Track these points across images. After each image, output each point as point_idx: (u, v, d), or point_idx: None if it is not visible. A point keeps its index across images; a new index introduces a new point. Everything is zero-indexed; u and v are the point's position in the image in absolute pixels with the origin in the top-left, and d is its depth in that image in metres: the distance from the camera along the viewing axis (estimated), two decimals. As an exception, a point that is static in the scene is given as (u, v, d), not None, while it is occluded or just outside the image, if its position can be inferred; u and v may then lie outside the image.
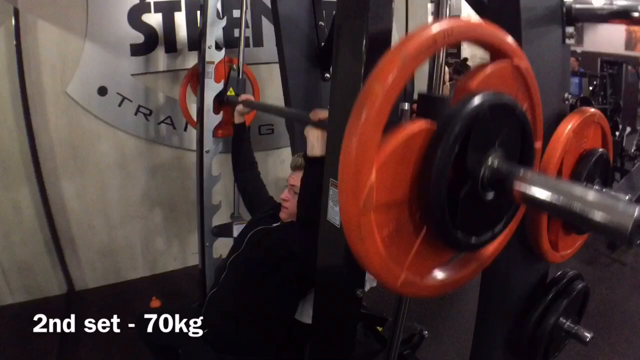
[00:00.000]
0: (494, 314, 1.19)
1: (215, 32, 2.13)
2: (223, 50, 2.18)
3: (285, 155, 3.46)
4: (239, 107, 1.96)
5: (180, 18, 2.88)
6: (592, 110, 1.05)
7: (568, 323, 1.13)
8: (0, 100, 2.53)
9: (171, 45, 2.91)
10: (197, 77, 2.43)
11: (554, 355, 1.19)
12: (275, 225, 1.67)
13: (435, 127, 0.61)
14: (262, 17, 3.18)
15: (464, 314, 2.68)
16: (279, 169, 3.48)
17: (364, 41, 0.91)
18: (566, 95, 1.06)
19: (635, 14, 0.94)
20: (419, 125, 0.61)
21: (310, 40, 2.08)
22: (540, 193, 0.60)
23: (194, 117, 2.58)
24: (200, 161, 2.35)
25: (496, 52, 0.68)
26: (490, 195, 0.65)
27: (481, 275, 1.21)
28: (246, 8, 2.31)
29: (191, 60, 2.99)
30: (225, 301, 1.61)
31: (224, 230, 2.51)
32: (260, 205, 1.86)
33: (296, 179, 1.60)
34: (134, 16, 2.72)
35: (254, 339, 1.54)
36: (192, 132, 3.16)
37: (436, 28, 0.58)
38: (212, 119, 2.28)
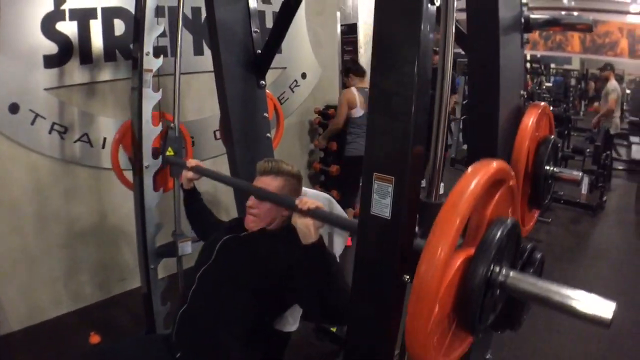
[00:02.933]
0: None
1: (153, 38, 2.02)
2: (161, 58, 2.07)
3: (208, 166, 3.33)
4: (189, 174, 1.89)
5: (96, 26, 2.68)
6: (543, 103, 1.23)
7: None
8: None
9: (87, 56, 2.69)
10: (129, 132, 2.28)
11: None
12: (243, 234, 1.65)
13: (472, 254, 0.83)
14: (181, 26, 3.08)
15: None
16: (202, 180, 3.34)
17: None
18: (522, 92, 1.23)
19: (575, 23, 1.15)
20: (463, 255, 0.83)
21: (246, 47, 2.07)
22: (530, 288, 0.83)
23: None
24: (140, 178, 2.20)
25: (501, 182, 0.90)
26: (497, 292, 0.87)
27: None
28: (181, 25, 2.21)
29: (107, 72, 2.80)
30: (200, 316, 1.53)
31: (168, 250, 2.38)
32: (213, 230, 1.82)
33: (262, 182, 1.59)
34: (48, 24, 2.47)
35: (232, 353, 1.50)
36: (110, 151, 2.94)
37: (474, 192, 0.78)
38: (150, 133, 2.15)
